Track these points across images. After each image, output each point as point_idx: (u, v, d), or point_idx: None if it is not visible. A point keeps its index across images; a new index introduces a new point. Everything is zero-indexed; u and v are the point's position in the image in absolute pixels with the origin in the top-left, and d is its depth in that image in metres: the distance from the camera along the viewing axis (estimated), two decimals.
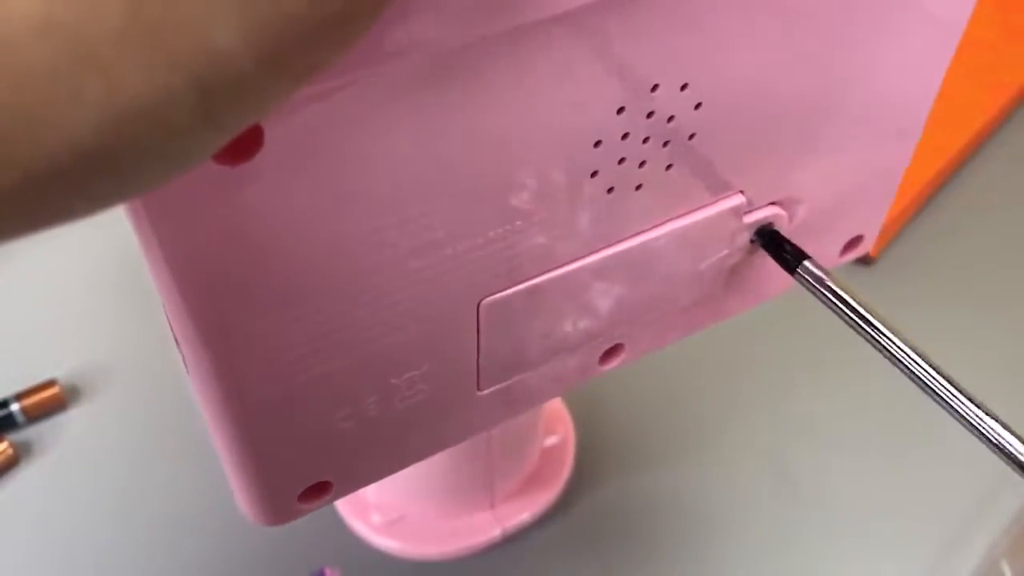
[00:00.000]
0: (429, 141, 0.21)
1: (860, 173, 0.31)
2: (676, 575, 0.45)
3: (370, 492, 0.46)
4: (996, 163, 0.63)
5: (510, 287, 0.25)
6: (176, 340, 0.23)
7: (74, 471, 0.48)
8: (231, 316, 0.22)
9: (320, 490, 0.27)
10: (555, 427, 0.48)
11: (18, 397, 0.49)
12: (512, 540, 0.46)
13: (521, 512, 0.45)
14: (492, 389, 0.28)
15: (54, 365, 0.52)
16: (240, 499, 0.27)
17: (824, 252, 0.33)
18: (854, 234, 0.33)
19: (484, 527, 0.45)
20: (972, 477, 0.48)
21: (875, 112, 0.29)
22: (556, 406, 0.49)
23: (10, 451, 0.48)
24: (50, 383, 0.50)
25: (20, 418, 0.49)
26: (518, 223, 0.24)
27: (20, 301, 0.55)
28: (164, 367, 0.52)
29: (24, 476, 0.48)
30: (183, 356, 0.23)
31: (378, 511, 0.45)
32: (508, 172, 0.23)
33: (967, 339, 0.54)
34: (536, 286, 0.26)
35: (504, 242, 0.24)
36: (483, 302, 0.25)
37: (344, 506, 0.46)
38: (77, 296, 0.55)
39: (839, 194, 0.31)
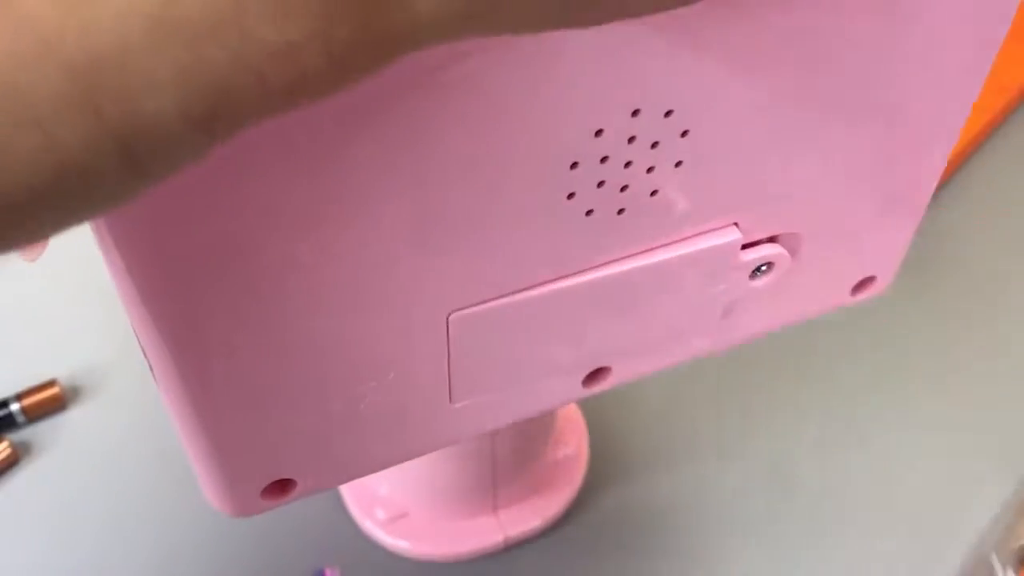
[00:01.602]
0: (396, 156, 0.21)
1: (866, 213, 0.29)
2: None
3: (379, 488, 0.46)
4: (996, 163, 0.63)
5: (480, 303, 0.25)
6: (142, 348, 0.23)
7: (74, 471, 0.48)
8: (190, 315, 0.22)
9: (283, 487, 0.27)
10: (569, 437, 0.48)
11: (18, 397, 0.49)
12: (515, 547, 0.46)
13: (527, 520, 0.45)
14: (466, 402, 0.28)
15: (54, 365, 0.52)
16: (205, 490, 0.27)
17: (832, 291, 0.32)
18: (865, 275, 0.32)
19: (487, 532, 0.45)
20: (964, 473, 0.48)
21: (888, 148, 0.28)
22: (571, 416, 0.49)
23: (10, 451, 0.48)
24: (50, 383, 0.50)
25: (20, 418, 0.49)
26: (488, 238, 0.24)
27: (21, 301, 0.55)
28: None
29: (24, 476, 0.48)
30: (149, 362, 0.24)
31: (383, 506, 0.46)
32: (477, 186, 0.22)
33: (967, 338, 0.54)
34: (507, 305, 0.25)
35: (475, 257, 0.24)
36: (452, 316, 0.25)
37: (350, 498, 0.46)
38: (77, 297, 0.55)
39: (844, 233, 0.30)
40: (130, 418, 0.50)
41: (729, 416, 0.51)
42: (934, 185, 0.30)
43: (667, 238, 0.27)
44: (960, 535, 0.46)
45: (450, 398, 0.27)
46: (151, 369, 0.24)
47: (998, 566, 0.44)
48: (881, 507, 0.47)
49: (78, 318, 0.54)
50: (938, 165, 0.29)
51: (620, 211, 0.25)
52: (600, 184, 0.24)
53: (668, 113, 0.23)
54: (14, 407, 0.49)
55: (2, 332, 0.54)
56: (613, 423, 0.50)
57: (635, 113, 0.23)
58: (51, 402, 0.50)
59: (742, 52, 0.23)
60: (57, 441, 0.49)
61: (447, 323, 0.25)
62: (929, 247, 0.57)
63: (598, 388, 0.30)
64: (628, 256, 0.26)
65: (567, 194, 0.24)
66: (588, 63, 0.21)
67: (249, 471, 0.26)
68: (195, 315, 0.22)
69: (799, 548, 0.46)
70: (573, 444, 0.48)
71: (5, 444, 0.48)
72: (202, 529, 0.46)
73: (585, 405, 0.50)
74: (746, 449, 0.49)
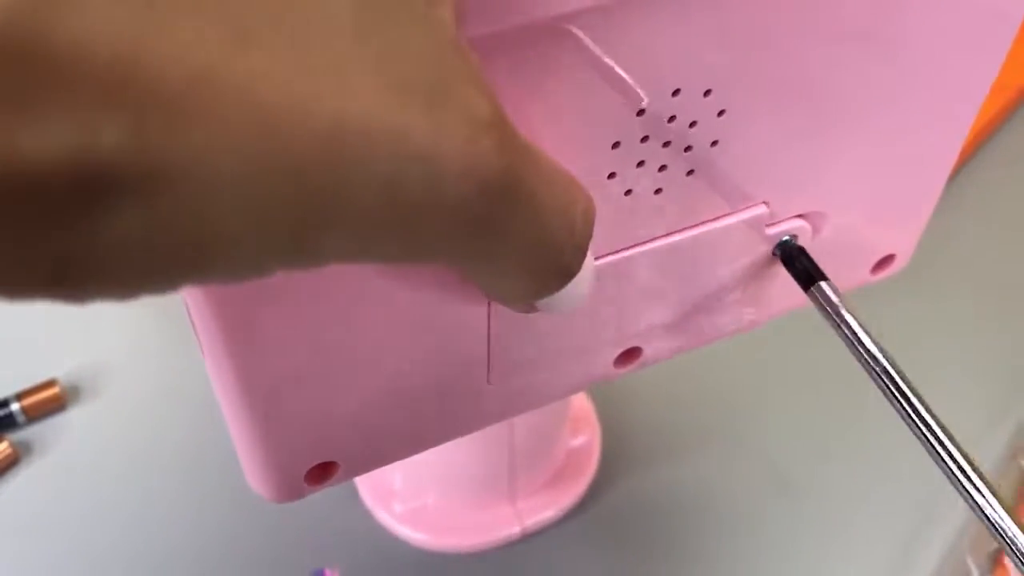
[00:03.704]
0: None
1: (890, 192, 0.30)
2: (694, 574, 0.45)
3: (394, 480, 0.46)
4: (996, 163, 0.63)
5: None
6: (191, 322, 0.23)
7: (74, 471, 0.48)
8: (247, 306, 0.22)
9: (326, 470, 0.27)
10: (582, 428, 0.48)
11: (18, 397, 0.49)
12: (531, 537, 0.46)
13: (542, 510, 0.46)
14: (502, 383, 0.28)
15: (54, 365, 0.51)
16: (248, 475, 0.27)
17: (853, 270, 0.33)
18: (885, 253, 0.33)
19: (504, 523, 0.45)
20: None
21: (907, 130, 0.28)
22: (584, 408, 0.49)
23: (10, 451, 0.48)
24: (50, 383, 0.50)
25: (20, 418, 0.49)
26: None
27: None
28: (164, 367, 0.52)
29: (24, 476, 0.48)
30: (198, 338, 0.23)
31: (400, 500, 0.46)
32: None
33: (965, 338, 0.54)
34: None
35: None
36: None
37: (367, 492, 0.46)
38: None
39: (868, 212, 0.30)
40: (130, 418, 0.50)
41: (732, 411, 0.51)
42: (953, 163, 0.31)
43: (700, 217, 0.27)
44: (934, 537, 0.46)
45: (488, 379, 0.28)
46: (200, 346, 0.24)
47: (973, 568, 0.45)
48: (862, 509, 0.47)
49: (78, 318, 0.54)
50: (958, 142, 0.30)
51: (657, 191, 0.25)
52: (640, 164, 0.24)
53: (707, 92, 0.23)
54: (14, 407, 0.49)
55: (2, 332, 0.53)
56: (623, 416, 0.50)
57: (676, 92, 0.23)
58: (51, 402, 0.50)
59: (779, 31, 0.23)
60: (57, 441, 0.49)
61: (489, 303, 0.25)
62: (929, 247, 0.58)
63: (629, 368, 0.31)
64: (661, 236, 0.27)
65: (608, 174, 0.24)
66: (634, 41, 0.21)
67: (294, 454, 0.26)
68: (251, 304, 0.22)
69: (807, 546, 0.46)
70: (586, 435, 0.48)
71: (5, 444, 0.48)
72: (203, 529, 0.46)
73: (596, 398, 0.50)
74: (766, 448, 0.50)
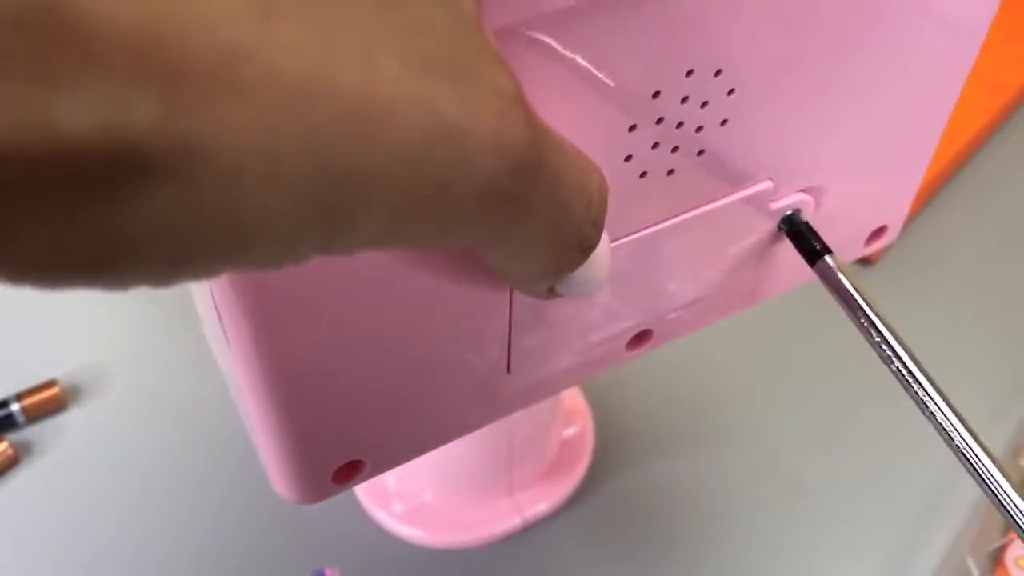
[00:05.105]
0: None
1: (884, 163, 0.31)
2: (691, 565, 0.45)
3: (391, 480, 0.46)
4: (996, 163, 0.64)
5: None
6: (219, 316, 0.23)
7: (74, 471, 0.48)
8: (276, 299, 0.22)
9: (353, 469, 0.27)
10: (574, 419, 0.49)
11: (18, 397, 0.49)
12: (531, 529, 0.46)
13: (540, 501, 0.46)
14: (521, 372, 0.28)
15: (54, 365, 0.51)
16: (274, 478, 0.27)
17: (849, 241, 0.33)
18: (879, 224, 0.34)
19: (504, 516, 0.45)
20: (943, 472, 0.48)
21: (902, 104, 0.29)
22: (575, 399, 0.50)
23: (10, 451, 0.47)
24: (50, 383, 0.50)
25: (20, 418, 0.49)
26: None
27: (20, 301, 0.54)
28: (164, 367, 0.52)
29: (24, 476, 0.48)
30: (224, 332, 0.23)
31: (399, 499, 0.46)
32: None
33: (965, 339, 0.54)
34: None
35: None
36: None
37: (364, 493, 0.46)
38: (77, 296, 0.54)
39: (865, 184, 0.31)
40: (130, 418, 0.50)
41: (727, 401, 0.51)
42: (939, 135, 0.32)
43: (711, 196, 0.27)
44: (935, 537, 0.47)
45: (508, 368, 0.28)
46: (227, 344, 0.24)
47: (973, 568, 0.45)
48: (861, 508, 0.47)
49: (78, 318, 0.54)
50: (944, 116, 0.31)
51: (670, 172, 0.25)
52: (655, 146, 0.24)
53: (718, 72, 0.24)
54: (14, 407, 0.49)
55: (2, 332, 0.53)
56: (615, 404, 0.50)
57: (689, 73, 0.23)
58: (51, 402, 0.50)
59: (786, 10, 0.24)
60: (57, 441, 0.49)
61: (511, 291, 0.25)
62: (929, 247, 0.58)
63: (640, 351, 0.31)
64: (674, 215, 0.27)
65: (625, 157, 0.24)
66: (651, 24, 0.22)
67: (322, 453, 0.26)
68: (281, 296, 0.22)
69: (803, 542, 0.46)
70: (579, 424, 0.49)
71: (5, 444, 0.47)
72: (203, 529, 0.46)
73: (589, 390, 0.51)
74: (757, 439, 0.50)
